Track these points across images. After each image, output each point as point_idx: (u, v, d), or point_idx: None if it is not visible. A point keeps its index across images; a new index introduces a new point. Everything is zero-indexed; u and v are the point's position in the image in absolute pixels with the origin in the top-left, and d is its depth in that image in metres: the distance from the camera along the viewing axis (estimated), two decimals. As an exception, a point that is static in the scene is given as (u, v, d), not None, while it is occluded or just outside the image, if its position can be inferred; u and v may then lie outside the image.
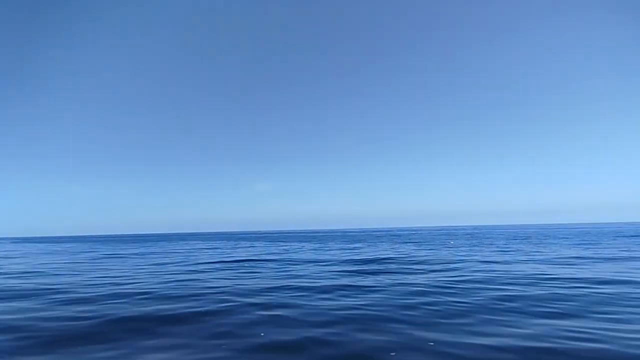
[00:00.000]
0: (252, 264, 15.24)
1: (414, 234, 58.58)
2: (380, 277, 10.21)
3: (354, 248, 24.41)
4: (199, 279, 10.44)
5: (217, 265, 14.71)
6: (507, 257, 15.02)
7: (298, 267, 13.52)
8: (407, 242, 30.31)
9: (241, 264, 15.31)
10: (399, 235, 49.32)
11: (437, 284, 8.64)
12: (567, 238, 30.22)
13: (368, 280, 9.62)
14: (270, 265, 14.50)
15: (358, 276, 10.61)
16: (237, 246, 31.22)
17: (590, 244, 22.52)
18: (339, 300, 7.11)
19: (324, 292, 8.06)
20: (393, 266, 12.98)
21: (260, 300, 7.26)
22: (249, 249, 26.88)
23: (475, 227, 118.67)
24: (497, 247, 22.17)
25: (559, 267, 11.44)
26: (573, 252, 16.78)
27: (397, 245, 26.11)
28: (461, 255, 16.39)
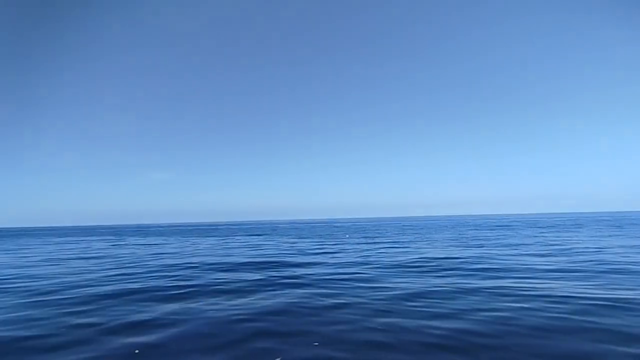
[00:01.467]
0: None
1: (324, 226, 58.16)
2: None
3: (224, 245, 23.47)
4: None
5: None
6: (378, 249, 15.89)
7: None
8: (309, 237, 30.37)
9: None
10: (304, 229, 48.58)
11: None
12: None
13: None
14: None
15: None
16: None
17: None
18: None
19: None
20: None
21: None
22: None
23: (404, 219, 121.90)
24: (385, 238, 23.49)
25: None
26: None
27: (292, 239, 26.05)
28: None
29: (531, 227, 33.66)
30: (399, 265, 10.52)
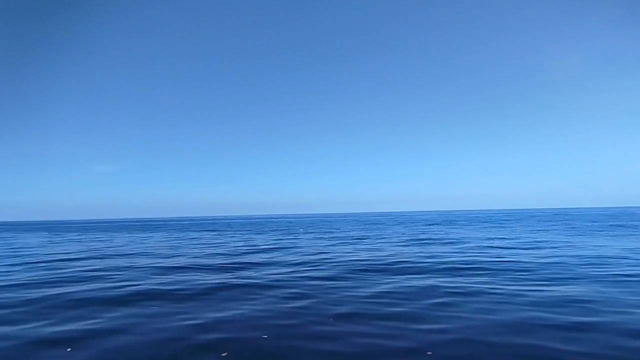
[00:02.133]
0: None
1: (280, 221, 57.66)
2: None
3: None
4: None
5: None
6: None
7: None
8: (263, 231, 30.70)
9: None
10: (263, 224, 48.50)
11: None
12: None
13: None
14: None
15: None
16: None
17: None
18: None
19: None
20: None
21: None
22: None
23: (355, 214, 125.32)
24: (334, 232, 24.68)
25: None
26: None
27: (238, 234, 26.40)
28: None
29: (459, 224, 36.52)
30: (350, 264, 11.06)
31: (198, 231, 31.92)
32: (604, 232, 18.91)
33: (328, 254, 11.76)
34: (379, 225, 34.52)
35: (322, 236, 21.23)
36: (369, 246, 14.40)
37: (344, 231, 26.15)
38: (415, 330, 4.26)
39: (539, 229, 23.44)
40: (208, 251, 13.71)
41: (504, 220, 41.16)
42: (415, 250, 12.35)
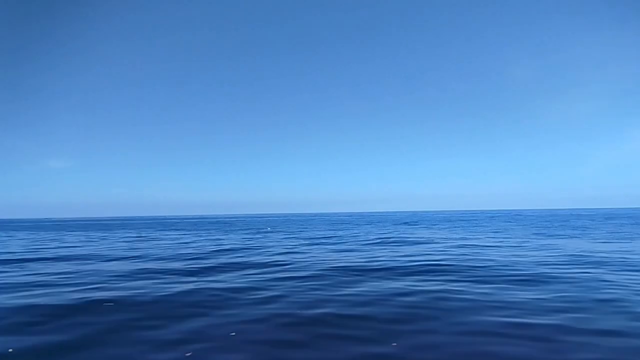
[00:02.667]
0: None
1: (237, 221, 57.01)
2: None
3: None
4: None
5: None
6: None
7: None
8: (233, 231, 30.20)
9: None
10: (231, 223, 47.76)
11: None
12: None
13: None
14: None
15: None
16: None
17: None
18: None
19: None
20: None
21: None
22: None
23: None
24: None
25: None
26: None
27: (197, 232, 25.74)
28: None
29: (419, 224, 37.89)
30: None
31: (162, 230, 30.50)
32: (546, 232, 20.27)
33: (295, 255, 11.57)
34: (348, 225, 34.83)
35: (290, 236, 21.00)
36: (337, 246, 14.38)
37: (313, 230, 26.07)
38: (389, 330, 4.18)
39: (490, 229, 24.68)
40: (172, 252, 13.01)
41: (460, 220, 43.08)
42: (385, 251, 12.47)
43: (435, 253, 11.38)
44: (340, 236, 19.95)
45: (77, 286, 6.97)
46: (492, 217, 55.78)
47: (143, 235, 24.22)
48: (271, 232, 25.66)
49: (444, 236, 18.87)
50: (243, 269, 8.97)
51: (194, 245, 15.96)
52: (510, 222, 35.80)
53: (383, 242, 15.69)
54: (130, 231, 29.81)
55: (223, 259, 10.76)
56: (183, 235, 22.93)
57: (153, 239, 20.06)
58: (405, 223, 37.52)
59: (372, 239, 17.44)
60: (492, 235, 19.33)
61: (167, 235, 23.90)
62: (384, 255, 11.03)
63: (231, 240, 18.52)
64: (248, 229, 29.86)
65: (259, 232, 25.07)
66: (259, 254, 11.96)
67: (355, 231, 24.63)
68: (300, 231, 25.82)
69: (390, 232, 22.59)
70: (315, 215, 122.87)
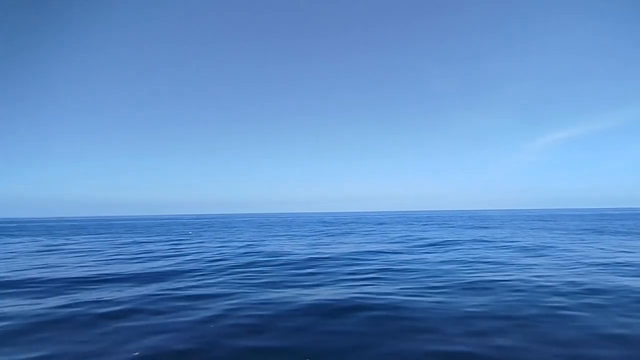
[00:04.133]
0: None
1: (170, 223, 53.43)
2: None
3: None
4: None
5: None
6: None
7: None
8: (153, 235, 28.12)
9: None
10: (150, 227, 44.18)
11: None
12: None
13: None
14: None
15: None
16: None
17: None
18: None
19: None
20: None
21: None
22: None
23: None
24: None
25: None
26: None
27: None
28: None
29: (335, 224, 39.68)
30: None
31: (59, 236, 26.51)
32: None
33: (220, 261, 10.91)
34: (276, 227, 34.50)
35: (217, 238, 19.95)
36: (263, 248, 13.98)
37: (240, 233, 25.17)
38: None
39: (415, 228, 26.72)
40: (68, 261, 11.25)
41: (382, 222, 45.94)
42: (306, 250, 12.47)
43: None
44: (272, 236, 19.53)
45: None
46: (418, 219, 60.41)
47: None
48: (195, 235, 24.12)
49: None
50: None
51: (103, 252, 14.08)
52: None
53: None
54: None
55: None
56: (89, 241, 20.18)
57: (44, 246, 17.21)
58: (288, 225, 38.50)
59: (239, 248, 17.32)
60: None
61: (67, 240, 20.81)
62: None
63: (143, 247, 16.85)
64: (167, 234, 27.65)
65: (181, 235, 23.31)
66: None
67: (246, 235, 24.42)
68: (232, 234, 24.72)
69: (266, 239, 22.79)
70: (244, 216, 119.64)
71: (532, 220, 41.19)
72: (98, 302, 5.97)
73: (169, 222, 57.59)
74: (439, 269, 8.87)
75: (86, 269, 9.89)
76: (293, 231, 27.75)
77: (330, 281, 7.69)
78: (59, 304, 5.87)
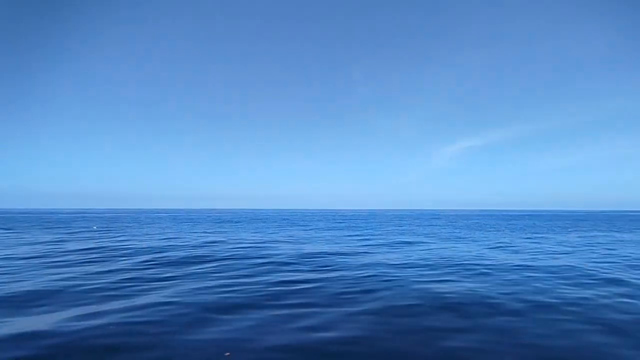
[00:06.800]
0: None
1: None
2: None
3: None
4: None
5: None
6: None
7: None
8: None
9: None
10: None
11: None
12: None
13: None
14: None
15: None
16: None
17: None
18: None
19: None
20: None
21: None
22: None
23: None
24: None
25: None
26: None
27: None
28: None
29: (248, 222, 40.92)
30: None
31: None
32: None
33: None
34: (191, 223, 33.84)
35: (118, 234, 19.15)
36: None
37: (142, 227, 24.31)
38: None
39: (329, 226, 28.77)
40: None
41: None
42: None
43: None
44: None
45: None
46: (333, 216, 63.82)
47: None
48: (97, 230, 22.65)
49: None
50: None
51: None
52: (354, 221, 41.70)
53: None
54: None
55: None
56: None
57: None
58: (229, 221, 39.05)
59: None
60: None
61: None
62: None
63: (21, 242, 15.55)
64: (56, 227, 25.40)
65: (82, 230, 21.68)
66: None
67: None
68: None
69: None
70: (159, 211, 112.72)
71: (431, 219, 46.82)
72: None
73: (75, 217, 51.96)
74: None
75: None
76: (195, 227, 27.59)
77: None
78: None
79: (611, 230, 24.23)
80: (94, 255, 10.96)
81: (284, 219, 45.28)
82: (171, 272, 8.25)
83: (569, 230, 24.92)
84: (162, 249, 12.41)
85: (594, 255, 11.43)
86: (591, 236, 19.45)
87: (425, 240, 16.98)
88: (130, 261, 9.84)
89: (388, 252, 12.10)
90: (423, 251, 12.48)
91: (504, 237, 18.60)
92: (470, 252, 12.25)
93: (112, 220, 39.68)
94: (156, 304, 5.42)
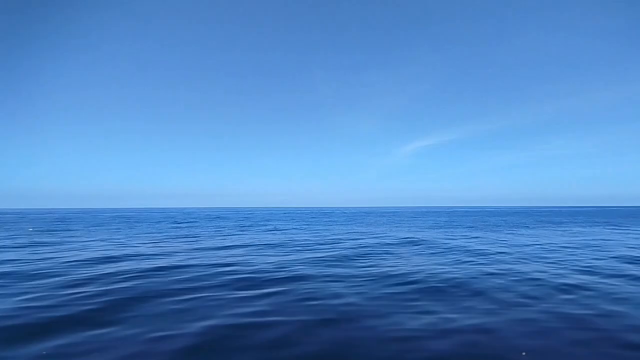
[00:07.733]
0: None
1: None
2: None
3: None
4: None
5: None
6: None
7: None
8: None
9: None
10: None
11: None
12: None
13: None
14: None
15: None
16: None
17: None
18: None
19: None
20: None
21: None
22: None
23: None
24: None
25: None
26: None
27: None
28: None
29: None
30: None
31: None
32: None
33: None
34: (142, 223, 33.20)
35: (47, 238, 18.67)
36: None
37: (85, 228, 23.70)
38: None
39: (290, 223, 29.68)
40: None
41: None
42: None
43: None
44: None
45: None
46: (299, 214, 64.60)
47: None
48: (34, 232, 21.69)
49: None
50: None
51: None
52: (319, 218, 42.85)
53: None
54: None
55: None
56: None
57: None
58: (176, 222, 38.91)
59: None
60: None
61: None
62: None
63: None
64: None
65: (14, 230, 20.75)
66: None
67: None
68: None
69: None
70: (105, 210, 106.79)
71: (382, 216, 49.47)
72: None
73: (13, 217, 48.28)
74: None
75: None
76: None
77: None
78: None
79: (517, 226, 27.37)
80: None
81: (244, 218, 45.34)
82: None
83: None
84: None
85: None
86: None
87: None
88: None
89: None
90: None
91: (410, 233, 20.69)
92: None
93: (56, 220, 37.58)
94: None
